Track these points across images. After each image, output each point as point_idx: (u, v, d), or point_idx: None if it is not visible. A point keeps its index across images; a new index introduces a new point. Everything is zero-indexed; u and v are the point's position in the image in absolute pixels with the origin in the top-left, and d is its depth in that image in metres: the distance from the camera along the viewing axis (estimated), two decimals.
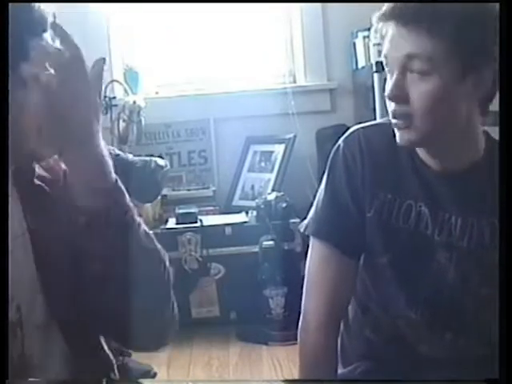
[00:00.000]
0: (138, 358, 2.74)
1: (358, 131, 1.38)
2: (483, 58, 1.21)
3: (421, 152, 1.33)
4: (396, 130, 1.27)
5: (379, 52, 3.26)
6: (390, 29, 1.23)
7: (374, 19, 1.26)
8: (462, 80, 1.22)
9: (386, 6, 1.25)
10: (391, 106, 1.25)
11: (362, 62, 3.50)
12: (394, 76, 1.23)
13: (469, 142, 1.31)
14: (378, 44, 3.26)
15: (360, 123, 1.42)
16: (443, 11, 1.20)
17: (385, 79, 1.29)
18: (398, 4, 1.23)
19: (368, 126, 1.41)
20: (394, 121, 1.26)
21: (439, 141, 1.28)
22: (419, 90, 1.22)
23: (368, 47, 3.43)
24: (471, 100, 1.25)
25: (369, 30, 3.42)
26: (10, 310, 1.04)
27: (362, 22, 3.46)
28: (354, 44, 3.58)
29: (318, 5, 3.66)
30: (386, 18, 1.24)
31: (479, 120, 1.30)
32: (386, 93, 1.24)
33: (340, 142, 1.39)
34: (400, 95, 1.23)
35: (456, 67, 1.21)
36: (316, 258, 1.39)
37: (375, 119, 2.69)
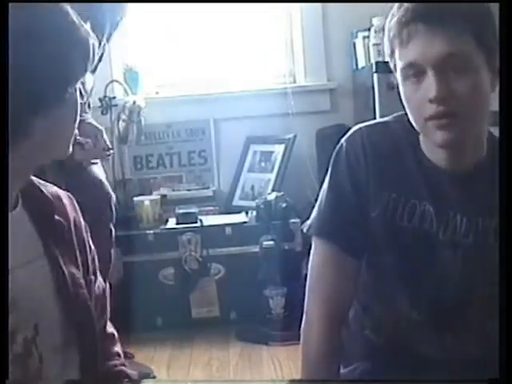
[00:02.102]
0: (139, 358, 2.74)
1: (361, 130, 1.38)
2: (496, 43, 1.23)
3: (427, 150, 1.33)
4: (436, 131, 1.24)
5: (379, 52, 3.28)
6: (416, 32, 1.21)
7: (393, 23, 1.24)
8: (487, 69, 1.23)
9: (404, 9, 1.23)
10: (432, 107, 1.22)
11: (361, 62, 3.50)
12: (435, 77, 1.21)
13: (477, 139, 1.31)
14: (378, 44, 3.28)
15: (360, 123, 1.41)
16: (464, 5, 1.21)
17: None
18: (422, 5, 1.21)
19: (371, 125, 1.40)
20: (434, 122, 1.23)
21: (472, 136, 1.28)
22: (462, 87, 1.21)
23: (368, 47, 3.42)
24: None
25: (369, 30, 3.42)
26: (27, 327, 1.09)
27: (362, 22, 3.47)
28: (354, 44, 3.57)
29: (318, 5, 3.66)
30: (410, 20, 1.21)
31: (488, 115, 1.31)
32: (432, 95, 1.21)
33: (342, 141, 1.38)
34: (446, 94, 1.21)
35: (482, 57, 1.22)
36: (319, 258, 1.39)
37: (375, 119, 2.69)
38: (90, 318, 1.20)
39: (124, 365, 1.31)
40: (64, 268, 1.17)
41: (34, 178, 1.19)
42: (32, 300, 1.10)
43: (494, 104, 1.26)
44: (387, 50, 1.29)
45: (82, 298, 1.19)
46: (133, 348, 2.80)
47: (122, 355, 1.34)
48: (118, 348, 1.34)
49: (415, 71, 1.23)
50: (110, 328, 1.35)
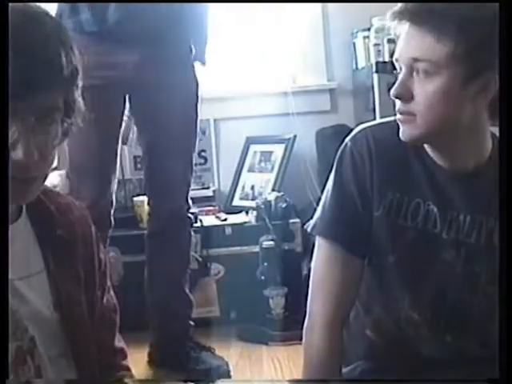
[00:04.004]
0: (138, 358, 2.74)
1: (366, 130, 1.38)
2: (487, 65, 1.21)
3: (430, 151, 1.33)
4: (400, 125, 1.28)
5: (379, 52, 3.28)
6: (403, 28, 1.24)
7: (389, 16, 1.27)
8: (464, 85, 1.22)
9: (400, 4, 1.25)
10: (397, 103, 1.26)
11: (361, 63, 3.50)
12: (401, 75, 1.25)
13: (477, 143, 1.31)
14: (378, 44, 3.28)
15: (360, 123, 1.41)
16: (451, 14, 1.21)
17: (390, 83, 1.30)
18: (412, 5, 1.23)
19: (375, 125, 1.40)
20: (398, 116, 1.28)
21: (442, 139, 1.28)
22: (423, 90, 1.23)
23: (368, 47, 3.42)
24: (477, 103, 1.25)
25: (369, 29, 3.42)
26: (23, 338, 1.09)
27: (362, 22, 3.47)
28: (354, 44, 3.57)
29: (318, 5, 3.66)
30: (400, 16, 1.24)
31: (488, 122, 1.30)
32: (392, 91, 1.25)
33: (347, 140, 1.38)
34: (404, 93, 1.24)
35: (459, 72, 1.21)
36: (323, 257, 1.39)
37: (375, 119, 2.69)
38: (86, 335, 1.18)
39: (132, 377, 1.30)
40: (62, 285, 1.15)
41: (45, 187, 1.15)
42: (29, 312, 1.09)
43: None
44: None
45: (79, 316, 1.17)
46: (131, 348, 2.80)
47: (131, 370, 1.33)
48: (126, 362, 1.33)
49: (398, 67, 1.27)
50: (120, 343, 1.33)
